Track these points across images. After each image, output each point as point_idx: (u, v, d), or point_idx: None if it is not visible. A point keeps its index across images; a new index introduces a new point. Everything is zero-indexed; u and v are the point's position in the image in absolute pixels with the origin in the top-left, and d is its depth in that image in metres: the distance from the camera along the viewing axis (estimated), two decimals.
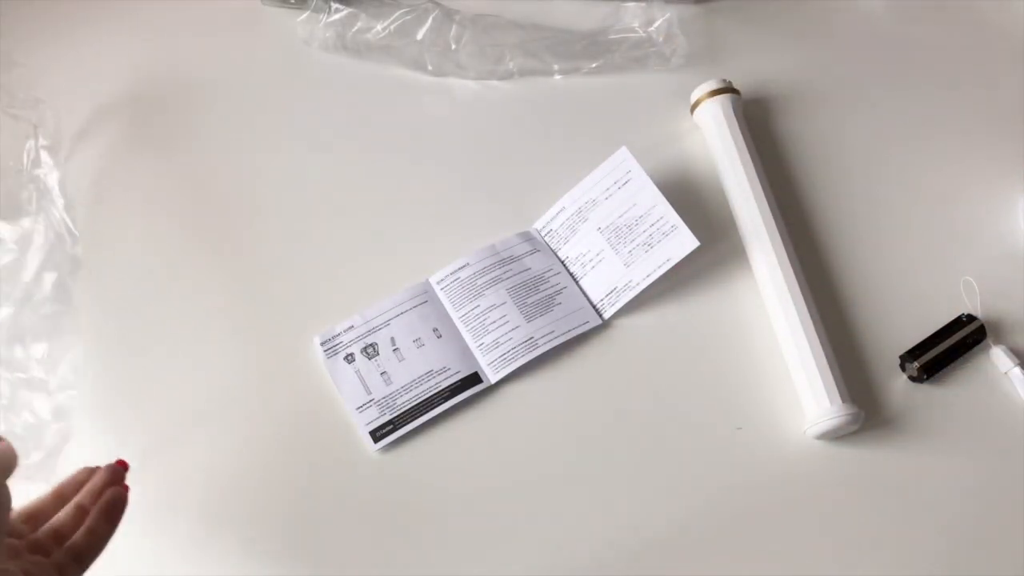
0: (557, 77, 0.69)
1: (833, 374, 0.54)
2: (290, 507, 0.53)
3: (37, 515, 0.40)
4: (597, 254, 0.60)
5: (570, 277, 0.61)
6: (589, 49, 0.69)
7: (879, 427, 0.56)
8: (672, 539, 0.53)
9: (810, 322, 0.56)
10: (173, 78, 0.66)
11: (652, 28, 0.68)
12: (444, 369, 0.57)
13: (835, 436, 0.55)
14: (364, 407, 0.56)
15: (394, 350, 0.58)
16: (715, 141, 0.64)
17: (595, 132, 0.66)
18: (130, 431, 0.55)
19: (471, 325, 0.59)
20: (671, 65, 0.69)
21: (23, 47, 0.69)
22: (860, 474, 0.54)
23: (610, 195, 0.61)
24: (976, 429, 0.56)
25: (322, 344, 0.58)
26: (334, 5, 0.68)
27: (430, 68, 0.69)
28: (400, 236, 0.63)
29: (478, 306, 0.59)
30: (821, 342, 0.55)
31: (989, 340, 0.58)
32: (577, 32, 0.70)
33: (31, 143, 0.58)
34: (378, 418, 0.55)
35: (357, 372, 0.57)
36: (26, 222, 0.56)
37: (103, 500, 0.41)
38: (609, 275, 0.60)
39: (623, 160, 0.61)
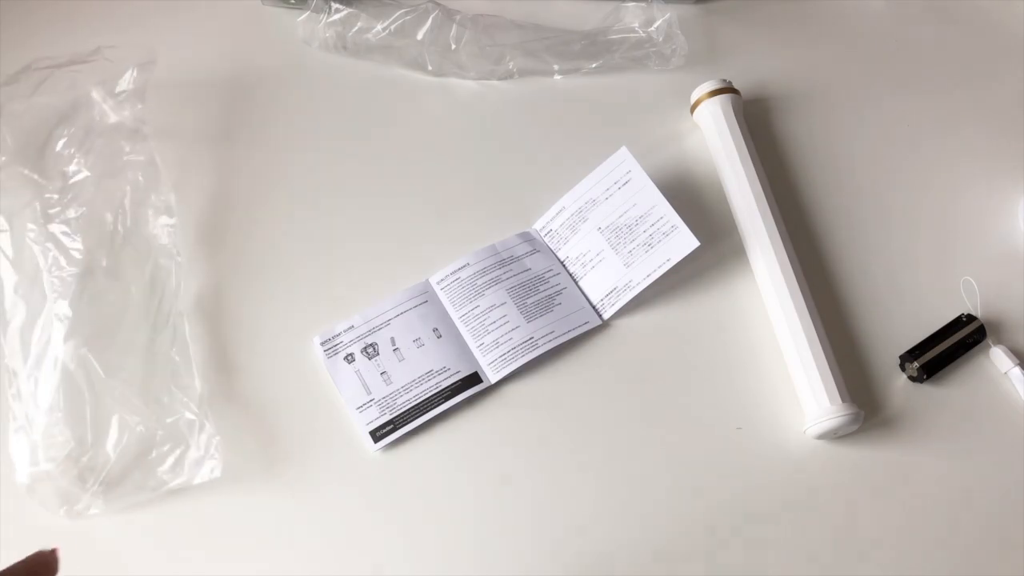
0: (557, 77, 0.69)
1: (833, 374, 0.54)
2: (290, 507, 0.53)
3: None
4: (597, 254, 0.60)
5: (570, 277, 0.61)
6: (589, 49, 0.69)
7: (879, 427, 0.56)
8: (672, 539, 0.53)
9: (810, 322, 0.56)
10: (172, 78, 0.66)
11: (652, 28, 0.68)
12: (444, 369, 0.57)
13: (835, 436, 0.55)
14: (364, 407, 0.56)
15: (394, 350, 0.58)
16: (715, 141, 0.64)
17: (595, 132, 0.66)
18: None
19: (471, 325, 0.59)
20: (671, 65, 0.69)
21: (10, 49, 0.69)
22: (860, 474, 0.54)
23: (610, 195, 0.61)
24: (976, 429, 0.56)
25: (322, 344, 0.58)
26: (334, 5, 0.68)
27: (430, 68, 0.69)
28: (400, 236, 0.63)
29: (478, 306, 0.59)
30: (821, 342, 0.55)
31: (989, 340, 0.58)
32: (577, 32, 0.70)
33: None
34: (378, 418, 0.55)
35: (357, 372, 0.57)
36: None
37: (26, 560, 0.37)
38: (609, 275, 0.60)
39: (623, 160, 0.61)
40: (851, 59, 0.71)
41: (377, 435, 0.55)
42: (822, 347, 0.55)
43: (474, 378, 0.57)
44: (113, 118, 0.60)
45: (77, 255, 0.56)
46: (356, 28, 0.68)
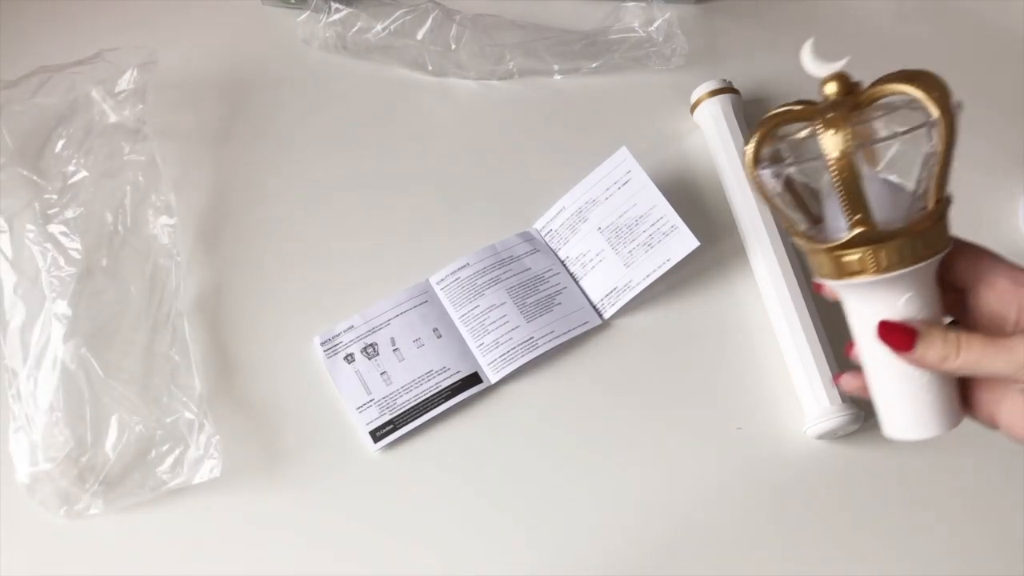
0: (557, 77, 0.69)
1: (833, 374, 0.54)
2: (290, 507, 0.53)
3: None
4: (597, 254, 0.60)
5: (570, 277, 0.61)
6: (589, 49, 0.69)
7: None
8: (673, 539, 0.53)
9: (810, 322, 0.56)
10: (172, 78, 0.66)
11: (652, 28, 0.68)
12: (444, 369, 0.57)
13: (835, 436, 0.55)
14: (364, 407, 0.56)
15: (394, 350, 0.58)
16: (715, 141, 0.64)
17: (595, 132, 0.66)
18: None
19: (471, 325, 0.59)
20: (671, 65, 0.69)
21: (10, 50, 0.69)
22: (861, 474, 0.54)
23: (610, 195, 0.61)
24: (977, 429, 0.56)
25: (322, 344, 0.58)
26: (334, 5, 0.67)
27: (430, 68, 0.69)
28: (400, 236, 0.63)
29: (478, 306, 0.59)
30: (821, 342, 0.55)
31: None
32: (577, 32, 0.70)
33: None
34: (378, 418, 0.55)
35: (357, 372, 0.57)
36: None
37: None
38: (609, 275, 0.60)
39: (623, 160, 0.61)
40: (852, 59, 0.70)
41: (377, 435, 0.55)
42: (822, 347, 0.55)
43: (474, 378, 0.57)
44: (113, 118, 0.60)
45: (76, 255, 0.56)
46: (356, 28, 0.68)
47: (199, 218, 0.63)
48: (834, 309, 0.60)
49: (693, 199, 0.64)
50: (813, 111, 0.35)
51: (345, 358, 0.57)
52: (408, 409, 0.56)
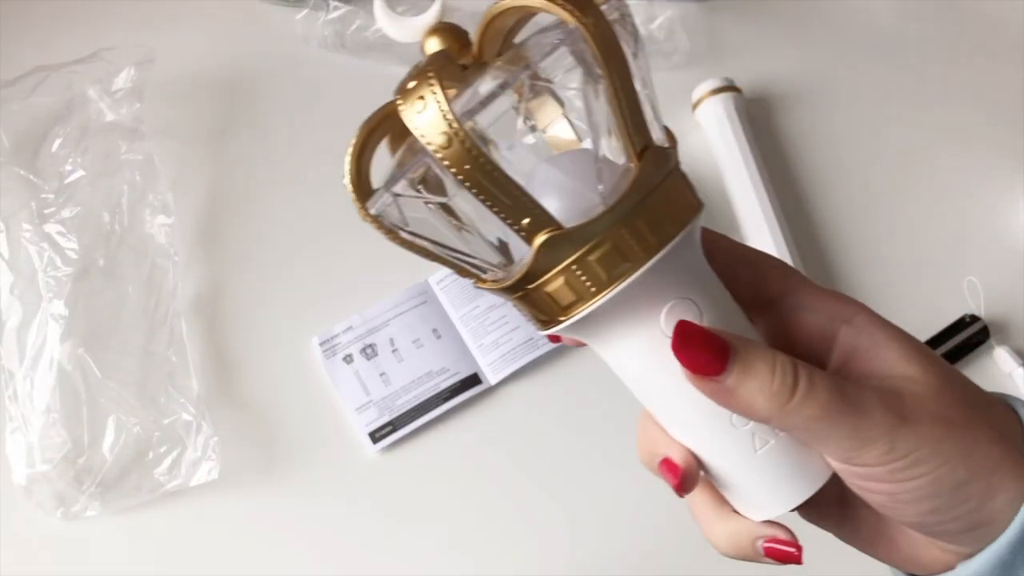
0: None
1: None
2: (288, 509, 0.53)
3: None
4: None
5: None
6: None
7: None
8: (673, 538, 0.52)
9: None
10: (170, 76, 0.66)
11: (653, 26, 0.68)
12: (443, 370, 0.57)
13: None
14: (363, 408, 0.55)
15: (393, 351, 0.57)
16: (716, 140, 0.63)
17: None
18: None
19: (471, 326, 0.58)
20: (672, 63, 0.68)
21: (10, 50, 0.68)
22: None
23: None
24: None
25: (320, 344, 0.57)
26: (332, 3, 0.67)
27: None
28: None
29: (478, 306, 0.59)
30: None
31: (992, 341, 0.57)
32: None
33: None
34: (377, 419, 0.55)
35: (356, 373, 0.56)
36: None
37: None
38: None
39: None
40: (853, 58, 0.70)
41: (376, 436, 0.55)
42: None
43: (474, 379, 0.57)
44: (110, 116, 0.60)
45: (73, 255, 0.56)
46: (355, 26, 0.67)
47: (197, 217, 0.62)
48: None
49: None
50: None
51: (344, 359, 0.57)
52: (407, 410, 0.55)
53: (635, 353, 0.23)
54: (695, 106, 0.65)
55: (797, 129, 0.67)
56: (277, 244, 0.62)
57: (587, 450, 0.55)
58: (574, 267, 0.21)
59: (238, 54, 0.70)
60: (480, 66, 0.23)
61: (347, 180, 0.24)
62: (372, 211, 0.24)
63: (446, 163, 0.20)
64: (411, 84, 0.21)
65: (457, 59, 0.23)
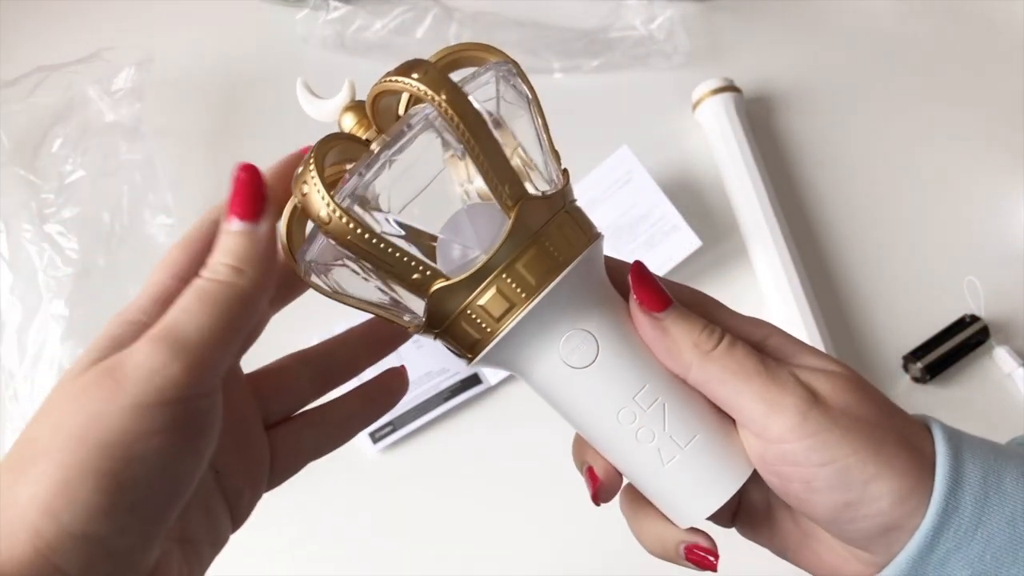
0: (558, 75, 0.69)
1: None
2: (288, 508, 0.53)
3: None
4: None
5: None
6: (590, 47, 0.69)
7: None
8: None
9: (812, 322, 0.56)
10: (170, 76, 0.66)
11: (653, 26, 0.68)
12: (444, 370, 0.57)
13: None
14: None
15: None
16: (717, 140, 0.63)
17: (596, 131, 0.66)
18: None
19: None
20: (672, 63, 0.68)
21: (9, 50, 0.68)
22: None
23: (611, 194, 0.60)
24: (979, 430, 0.55)
25: None
26: (333, 3, 0.67)
27: None
28: None
29: None
30: (823, 343, 0.55)
31: (992, 341, 0.57)
32: (578, 30, 0.69)
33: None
34: None
35: None
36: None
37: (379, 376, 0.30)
38: None
39: (624, 159, 0.61)
40: (853, 58, 0.70)
41: (376, 436, 0.55)
42: (824, 348, 0.55)
43: (474, 379, 0.57)
44: (110, 116, 0.60)
45: (73, 255, 0.56)
46: (355, 26, 0.67)
47: (196, 217, 0.62)
48: (838, 311, 0.60)
49: (694, 199, 0.63)
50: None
51: None
52: (407, 410, 0.55)
53: (543, 381, 0.26)
54: (695, 106, 0.65)
55: (797, 129, 0.67)
56: None
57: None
58: (468, 311, 0.24)
59: (238, 54, 0.70)
60: (378, 139, 0.26)
61: (280, 246, 0.25)
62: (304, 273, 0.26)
63: (330, 237, 0.23)
64: (299, 171, 0.24)
65: (363, 133, 0.26)
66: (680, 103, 0.67)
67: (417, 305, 0.25)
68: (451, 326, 0.25)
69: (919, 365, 0.56)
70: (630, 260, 0.27)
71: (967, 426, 0.55)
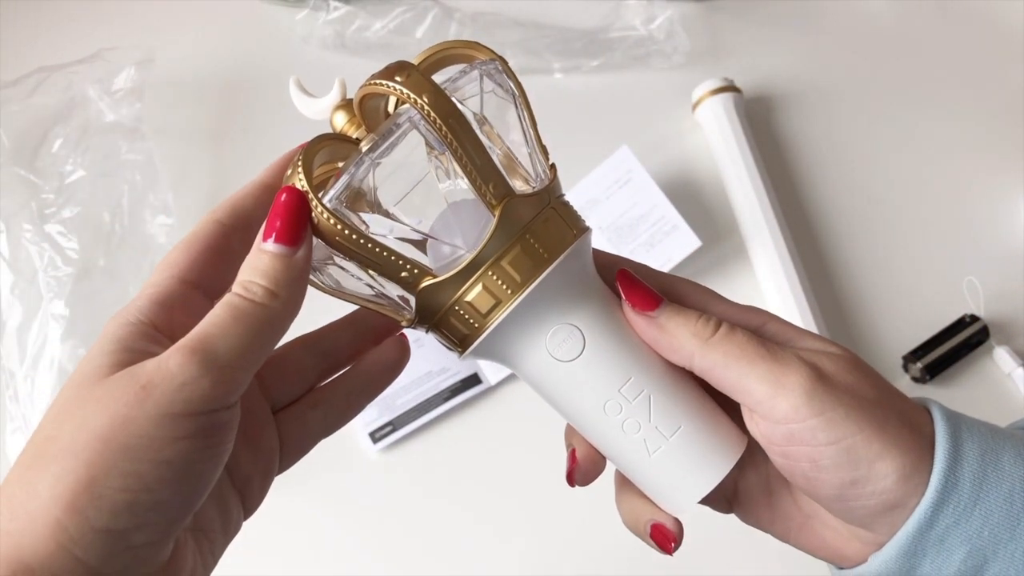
0: (558, 75, 0.69)
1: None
2: (288, 507, 0.53)
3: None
4: None
5: None
6: (590, 47, 0.69)
7: None
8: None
9: (812, 322, 0.56)
10: (170, 76, 0.66)
11: (653, 26, 0.68)
12: (444, 370, 0.57)
13: None
14: None
15: None
16: (717, 140, 0.63)
17: (596, 131, 0.66)
18: None
19: None
20: (672, 63, 0.68)
21: (10, 50, 0.68)
22: None
23: (611, 194, 0.61)
24: None
25: None
26: (333, 3, 0.67)
27: None
28: None
29: None
30: None
31: (992, 341, 0.57)
32: (578, 30, 0.69)
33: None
34: (377, 419, 0.55)
35: None
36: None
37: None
38: None
39: (624, 159, 0.61)
40: (853, 58, 0.70)
41: (376, 436, 0.55)
42: None
43: (474, 379, 0.57)
44: (110, 116, 0.60)
45: (73, 255, 0.56)
46: (355, 26, 0.67)
47: (197, 217, 0.62)
48: (838, 311, 0.60)
49: (694, 199, 0.63)
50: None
51: None
52: (407, 410, 0.55)
53: (532, 373, 0.26)
54: (695, 106, 0.65)
55: (797, 129, 0.67)
56: None
57: None
58: (456, 307, 0.24)
59: (238, 54, 0.70)
60: (367, 138, 0.26)
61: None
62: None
63: (319, 238, 0.24)
64: (288, 173, 0.24)
65: (354, 132, 0.26)
66: (680, 103, 0.67)
67: (409, 300, 0.26)
68: (441, 321, 0.25)
69: (919, 365, 0.56)
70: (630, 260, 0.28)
71: None
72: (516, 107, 0.26)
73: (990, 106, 0.68)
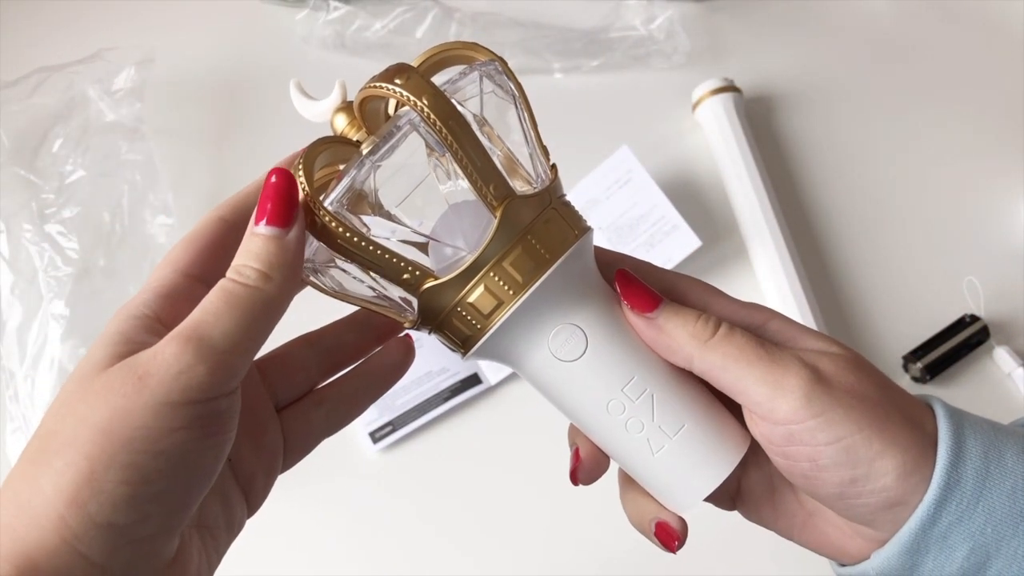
0: (558, 75, 0.69)
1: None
2: (288, 508, 0.53)
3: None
4: None
5: None
6: (590, 47, 0.69)
7: None
8: None
9: (812, 322, 0.56)
10: (170, 77, 0.66)
11: (653, 26, 0.68)
12: (444, 370, 0.57)
13: None
14: None
15: None
16: (717, 140, 0.63)
17: (596, 131, 0.66)
18: None
19: None
20: (672, 63, 0.68)
21: (10, 50, 0.68)
22: None
23: (611, 194, 0.61)
24: None
25: None
26: (333, 3, 0.67)
27: None
28: None
29: None
30: None
31: (992, 341, 0.57)
32: (578, 30, 0.69)
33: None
34: (377, 419, 0.55)
35: None
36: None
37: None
38: None
39: (624, 159, 0.61)
40: (853, 58, 0.70)
41: (376, 436, 0.55)
42: None
43: (474, 379, 0.57)
44: (110, 116, 0.60)
45: (73, 255, 0.56)
46: (355, 26, 0.67)
47: (197, 217, 0.62)
48: (838, 311, 0.60)
49: (694, 199, 0.63)
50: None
51: None
52: (407, 410, 0.55)
53: (534, 373, 0.26)
54: (695, 106, 0.65)
55: (797, 129, 0.67)
56: None
57: None
58: (458, 309, 0.24)
59: (238, 54, 0.70)
60: (368, 140, 0.26)
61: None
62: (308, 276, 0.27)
63: (321, 241, 0.24)
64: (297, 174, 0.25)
65: (355, 134, 0.26)
66: (680, 103, 0.67)
67: (411, 301, 0.26)
68: (443, 322, 0.25)
69: (919, 365, 0.56)
70: None
71: None
72: (516, 108, 0.26)
73: (990, 106, 0.68)
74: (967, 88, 0.69)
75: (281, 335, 0.30)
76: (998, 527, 0.23)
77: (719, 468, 0.26)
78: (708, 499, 0.27)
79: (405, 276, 0.24)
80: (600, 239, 0.60)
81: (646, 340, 0.26)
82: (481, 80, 0.25)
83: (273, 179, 0.24)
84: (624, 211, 0.60)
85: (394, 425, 0.55)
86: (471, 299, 0.24)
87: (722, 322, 0.25)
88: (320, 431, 0.30)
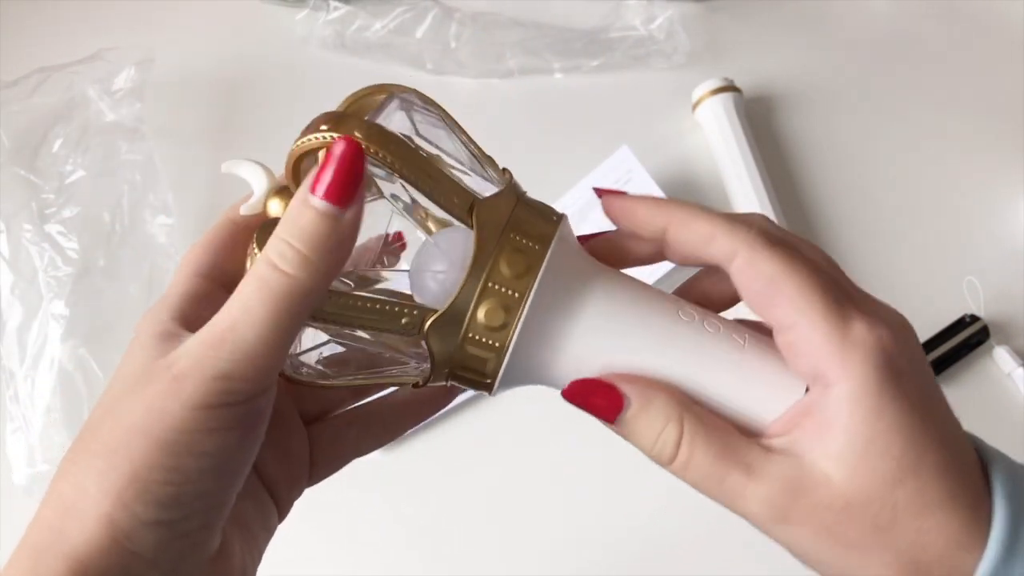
0: (558, 75, 0.69)
1: None
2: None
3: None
4: None
5: None
6: (590, 47, 0.69)
7: None
8: (676, 537, 0.52)
9: None
10: (170, 76, 0.66)
11: (653, 26, 0.68)
12: None
13: None
14: None
15: None
16: (717, 140, 0.63)
17: (596, 131, 0.66)
18: None
19: None
20: (672, 63, 0.68)
21: (10, 50, 0.68)
22: None
23: None
24: (979, 431, 0.55)
25: None
26: (332, 3, 0.67)
27: (429, 66, 0.68)
28: None
29: None
30: None
31: (992, 341, 0.57)
32: (578, 30, 0.69)
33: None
34: None
35: None
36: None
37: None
38: None
39: (624, 159, 0.61)
40: (853, 58, 0.70)
41: None
42: None
43: None
44: (110, 116, 0.60)
45: (73, 255, 0.56)
46: (355, 26, 0.67)
47: (197, 218, 0.62)
48: None
49: (694, 198, 0.63)
50: None
51: None
52: None
53: (582, 351, 0.25)
54: (695, 106, 0.65)
55: (797, 129, 0.67)
56: None
57: (588, 449, 0.55)
58: (470, 334, 0.23)
59: (238, 54, 0.70)
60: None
61: None
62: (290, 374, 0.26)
63: (313, 320, 0.23)
64: (248, 262, 0.24)
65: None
66: (680, 103, 0.67)
67: (417, 352, 0.24)
68: (458, 357, 0.23)
69: None
70: None
71: (967, 426, 0.55)
72: (447, 128, 0.25)
73: (990, 106, 0.68)
74: (967, 88, 0.69)
75: None
76: None
77: (795, 377, 0.24)
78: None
79: (404, 320, 0.23)
80: None
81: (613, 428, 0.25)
82: (406, 111, 0.25)
83: (339, 149, 0.21)
84: None
85: None
86: (480, 317, 0.23)
87: (683, 440, 0.23)
88: (349, 451, 0.31)
